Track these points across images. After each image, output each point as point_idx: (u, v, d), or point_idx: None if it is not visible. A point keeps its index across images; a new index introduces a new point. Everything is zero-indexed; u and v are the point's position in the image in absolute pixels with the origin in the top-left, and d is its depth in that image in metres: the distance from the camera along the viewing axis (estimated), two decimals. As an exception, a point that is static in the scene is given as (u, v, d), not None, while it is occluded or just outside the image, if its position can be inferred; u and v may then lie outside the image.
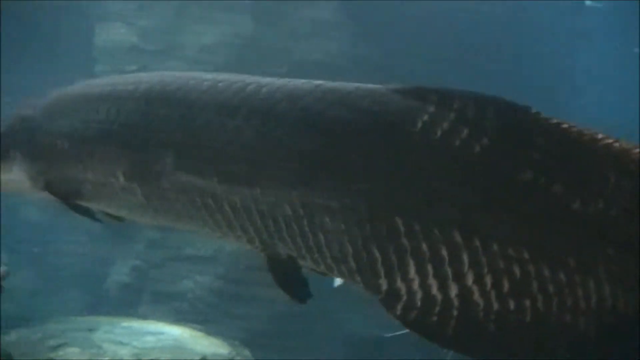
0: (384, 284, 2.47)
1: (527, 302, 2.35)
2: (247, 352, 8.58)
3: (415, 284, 2.43)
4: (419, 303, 2.43)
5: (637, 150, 2.35)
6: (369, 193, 2.49)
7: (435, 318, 2.41)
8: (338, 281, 2.61)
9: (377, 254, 2.47)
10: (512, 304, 2.36)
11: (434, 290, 2.41)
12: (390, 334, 8.47)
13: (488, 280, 2.36)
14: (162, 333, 8.64)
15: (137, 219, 3.22)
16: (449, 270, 2.39)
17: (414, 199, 2.43)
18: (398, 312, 2.45)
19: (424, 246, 2.40)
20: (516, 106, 2.42)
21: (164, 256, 9.86)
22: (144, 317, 9.44)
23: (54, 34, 11.49)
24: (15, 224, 11.55)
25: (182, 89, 2.86)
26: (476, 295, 2.37)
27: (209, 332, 8.77)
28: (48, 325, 8.93)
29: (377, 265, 2.48)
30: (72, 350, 7.95)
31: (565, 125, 2.39)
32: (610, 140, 2.36)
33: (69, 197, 3.29)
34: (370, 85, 2.61)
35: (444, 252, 2.39)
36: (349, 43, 10.34)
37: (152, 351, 8.08)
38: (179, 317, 9.44)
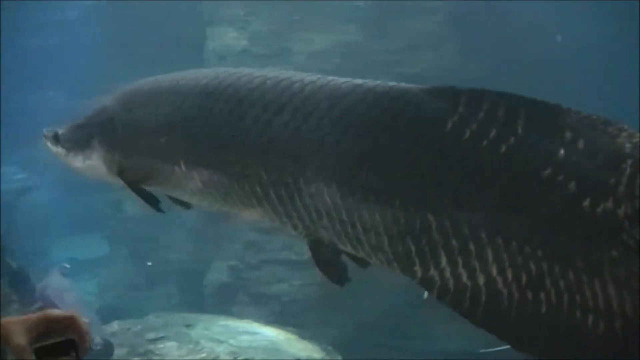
0: (418, 271, 2.69)
1: (542, 295, 2.51)
2: (339, 358, 8.62)
3: (447, 273, 2.64)
4: (452, 288, 2.64)
5: None
6: (404, 191, 2.68)
7: (467, 301, 2.62)
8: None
9: (412, 246, 2.67)
10: (529, 295, 2.52)
11: (464, 278, 2.61)
12: (485, 350, 8.41)
13: (509, 273, 2.53)
14: (257, 333, 8.76)
15: (198, 202, 3.47)
16: (476, 263, 2.58)
17: (444, 198, 2.61)
18: (435, 295, 2.68)
19: (454, 241, 2.60)
20: (547, 104, 2.53)
21: (261, 258, 9.98)
22: (240, 316, 9.57)
23: (164, 37, 11.78)
24: (119, 219, 11.90)
25: (234, 85, 3.10)
26: (500, 285, 2.56)
27: (304, 336, 8.85)
28: (148, 318, 9.17)
29: (411, 255, 2.69)
30: (170, 345, 8.14)
31: (593, 118, 2.49)
32: (631, 134, 2.43)
33: (137, 182, 3.54)
34: (404, 85, 2.78)
35: (472, 247, 2.57)
36: (456, 56, 10.31)
37: (248, 350, 8.20)
38: (273, 319, 9.53)
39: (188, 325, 8.66)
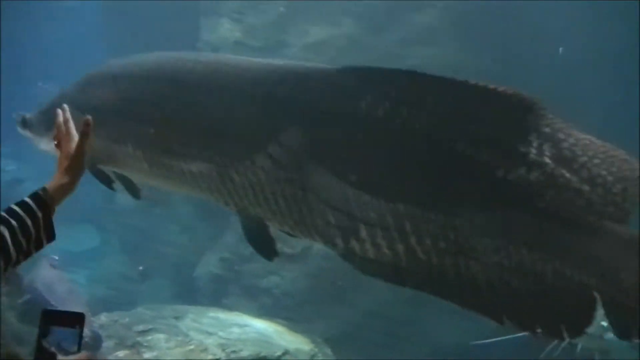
0: (340, 243, 2.85)
1: (462, 260, 2.67)
2: (328, 351, 8.59)
3: (368, 244, 2.78)
4: (372, 258, 2.80)
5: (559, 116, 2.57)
6: (320, 165, 2.81)
7: (388, 269, 2.80)
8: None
9: (331, 218, 2.83)
10: (448, 260, 2.69)
11: (384, 248, 2.76)
12: (477, 342, 8.37)
13: (428, 241, 2.68)
14: (247, 325, 8.72)
15: (148, 182, 3.64)
16: (395, 233, 2.72)
17: (361, 172, 2.75)
18: (355, 265, 2.85)
19: (373, 214, 2.73)
20: (458, 82, 2.67)
21: (253, 250, 9.87)
22: (230, 308, 9.51)
23: (159, 28, 11.73)
24: (110, 211, 11.82)
25: (171, 70, 3.26)
26: (419, 253, 2.72)
27: (293, 329, 8.80)
28: (137, 310, 9.11)
29: (332, 228, 2.85)
30: (159, 337, 8.09)
31: (499, 90, 2.61)
32: (536, 105, 2.57)
33: (95, 163, 3.71)
34: (320, 66, 2.93)
35: (390, 220, 2.70)
36: (455, 50, 10.23)
37: (237, 342, 8.16)
38: (264, 312, 9.48)
39: (177, 318, 8.60)
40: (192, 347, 7.90)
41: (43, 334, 2.15)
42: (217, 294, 10.07)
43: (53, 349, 2.12)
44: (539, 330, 2.70)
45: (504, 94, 2.60)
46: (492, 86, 2.61)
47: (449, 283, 2.76)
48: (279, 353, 8.17)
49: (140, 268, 11.22)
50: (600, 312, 8.16)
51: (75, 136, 2.78)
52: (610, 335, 7.80)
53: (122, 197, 10.87)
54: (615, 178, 2.46)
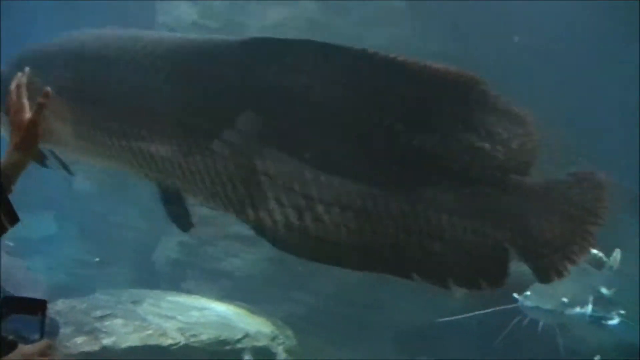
0: (250, 214, 2.85)
1: (380, 230, 2.67)
2: (289, 333, 8.54)
3: (277, 214, 2.78)
4: (281, 228, 2.78)
5: (470, 78, 2.59)
6: (229, 137, 2.81)
7: (296, 239, 2.77)
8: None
9: (242, 189, 2.83)
10: (369, 230, 2.68)
11: (293, 217, 2.75)
12: (441, 320, 8.37)
13: (336, 209, 2.66)
14: (206, 309, 8.64)
15: (80, 158, 3.67)
16: (303, 202, 2.71)
17: (268, 142, 2.75)
18: (266, 237, 2.83)
19: (280, 183, 2.74)
20: (367, 53, 2.65)
21: (213, 233, 9.77)
22: (190, 292, 9.43)
23: (115, 11, 11.57)
24: (67, 195, 11.65)
25: (95, 47, 3.28)
26: (327, 221, 2.70)
27: (254, 311, 8.74)
28: (95, 296, 8.99)
29: (242, 199, 2.85)
30: (117, 322, 7.99)
31: (408, 63, 2.63)
32: (449, 72, 2.60)
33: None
34: (224, 38, 2.93)
35: (297, 187, 2.71)
36: (416, 31, 10.19)
37: (196, 326, 8.09)
38: (225, 295, 9.40)
39: (135, 302, 8.51)
40: (150, 331, 7.82)
41: (2, 321, 2.08)
42: (177, 278, 9.98)
43: (13, 337, 2.06)
44: (457, 286, 2.70)
45: (442, 71, 2.64)
46: (429, 64, 2.66)
47: (360, 247, 2.77)
48: (239, 336, 8.11)
49: (97, 259, 11.08)
50: (560, 288, 8.16)
51: (27, 107, 2.69)
52: (570, 311, 7.86)
53: (80, 182, 10.78)
54: (513, 135, 2.56)
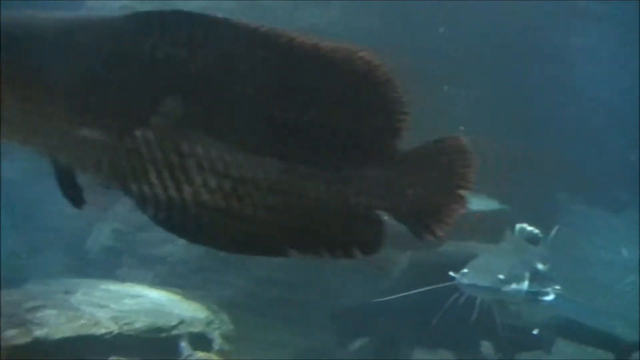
0: (133, 187, 2.78)
1: (251, 202, 2.67)
2: (225, 317, 8.45)
3: (158, 188, 2.73)
4: (163, 204, 2.73)
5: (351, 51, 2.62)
6: (107, 109, 2.77)
7: (178, 216, 2.72)
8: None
9: (124, 162, 2.76)
10: (236, 203, 2.67)
11: (172, 192, 2.70)
12: (377, 300, 8.37)
13: (213, 182, 2.66)
14: (140, 296, 8.52)
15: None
16: (181, 175, 2.69)
17: (147, 113, 2.70)
18: (149, 213, 2.77)
19: (159, 154, 2.70)
20: (224, 20, 2.74)
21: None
22: (124, 280, 9.30)
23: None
24: (-4, 184, 11.39)
25: (34, 25, 3.11)
26: (205, 195, 2.67)
27: (188, 297, 8.64)
28: (26, 286, 8.81)
29: (125, 172, 2.78)
30: (50, 312, 7.81)
31: (284, 35, 2.65)
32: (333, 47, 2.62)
33: None
34: (106, 16, 2.89)
35: (175, 159, 2.68)
36: (349, 11, 10.15)
37: (130, 314, 7.96)
38: (159, 281, 9.29)
39: (68, 292, 8.33)
40: (83, 321, 7.66)
41: None
42: (111, 266, 9.83)
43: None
44: (332, 256, 2.69)
45: (325, 46, 2.66)
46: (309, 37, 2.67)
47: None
48: (174, 322, 7.99)
49: (24, 256, 10.85)
50: (496, 265, 8.18)
51: None
52: (506, 287, 7.90)
53: (9, 169, 10.53)
54: (385, 104, 2.65)
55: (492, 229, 10.27)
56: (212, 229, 2.71)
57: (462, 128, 11.02)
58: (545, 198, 13.57)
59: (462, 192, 2.75)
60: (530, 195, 12.59)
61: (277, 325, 9.04)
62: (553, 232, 8.98)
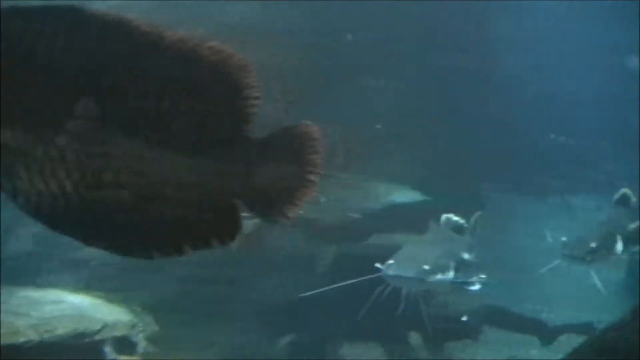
0: (5, 182, 2.71)
1: (125, 192, 2.67)
2: (149, 319, 8.32)
3: (27, 183, 2.68)
4: (34, 197, 2.69)
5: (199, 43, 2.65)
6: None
7: (46, 209, 2.69)
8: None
9: None
10: (90, 193, 2.66)
11: (42, 186, 2.67)
12: (304, 294, 8.32)
13: (89, 175, 2.64)
14: (62, 302, 8.32)
15: None
16: (46, 168, 2.66)
17: (16, 112, 2.66)
18: (21, 205, 2.73)
19: (29, 149, 2.65)
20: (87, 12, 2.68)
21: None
22: (45, 285, 9.07)
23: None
24: None
25: None
26: (69, 188, 2.66)
27: (112, 300, 8.48)
28: (-62, 298, 8.51)
29: None
30: (-35, 323, 7.57)
31: (132, 24, 2.67)
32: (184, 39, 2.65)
33: None
34: None
35: (53, 153, 2.65)
36: (267, 8, 10.07)
37: (52, 321, 7.78)
38: (82, 285, 9.09)
39: (-16, 301, 8.08)
40: (2, 330, 7.45)
41: None
42: (31, 272, 9.58)
43: None
44: (191, 249, 2.72)
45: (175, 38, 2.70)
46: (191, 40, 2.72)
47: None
48: (97, 327, 7.84)
49: None
50: (422, 255, 8.18)
51: None
52: (432, 277, 7.92)
53: None
54: (226, 91, 2.70)
55: (416, 220, 10.32)
56: (71, 221, 2.69)
57: (378, 127, 11.09)
58: (470, 187, 13.67)
59: (311, 177, 2.82)
60: (454, 184, 12.67)
61: (204, 324, 8.92)
62: (473, 219, 9.03)
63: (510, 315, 10.33)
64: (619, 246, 7.67)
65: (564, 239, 7.49)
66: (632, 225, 8.00)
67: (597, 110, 18.84)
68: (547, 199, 17.06)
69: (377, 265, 7.70)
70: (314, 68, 10.28)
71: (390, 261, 7.78)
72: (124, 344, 7.85)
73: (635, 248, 7.86)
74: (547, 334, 10.24)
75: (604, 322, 11.01)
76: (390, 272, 7.67)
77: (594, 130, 18.63)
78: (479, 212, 9.25)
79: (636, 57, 19.07)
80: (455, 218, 8.94)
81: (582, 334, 10.51)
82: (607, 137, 18.63)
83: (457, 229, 8.94)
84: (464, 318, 9.61)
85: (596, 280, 8.16)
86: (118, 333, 7.89)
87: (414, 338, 9.04)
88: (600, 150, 18.61)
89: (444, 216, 8.96)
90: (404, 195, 10.48)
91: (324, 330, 8.97)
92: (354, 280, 7.88)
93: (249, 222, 8.09)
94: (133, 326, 8.06)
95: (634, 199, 8.26)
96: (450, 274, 8.05)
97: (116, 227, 2.71)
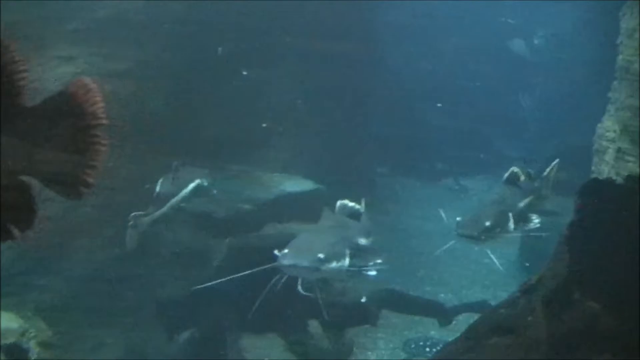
0: None
1: None
2: (42, 325, 8.06)
3: None
4: None
5: None
6: None
7: None
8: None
9: None
10: None
11: None
12: (198, 286, 8.20)
13: None
14: (-50, 312, 8.00)
15: None
16: None
17: None
18: None
19: None
20: None
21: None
22: None
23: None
24: None
25: None
26: None
27: (1, 306, 8.18)
28: None
29: None
30: None
31: None
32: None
33: None
34: None
35: None
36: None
37: None
38: (-32, 293, 8.76)
39: None
40: None
41: None
42: None
43: None
44: None
45: None
46: None
47: None
48: (-17, 336, 7.56)
49: None
50: (317, 244, 8.15)
51: None
52: (327, 266, 7.91)
53: None
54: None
55: (309, 209, 10.31)
56: None
57: (264, 125, 11.07)
58: (364, 174, 13.75)
59: (97, 131, 2.67)
60: (348, 172, 12.73)
61: (100, 322, 8.71)
62: (362, 204, 9.05)
63: (408, 298, 10.43)
64: (511, 224, 7.78)
65: (458, 218, 7.57)
66: (522, 204, 8.13)
67: (486, 94, 19.29)
68: (440, 182, 17.38)
69: (276, 252, 7.64)
70: (196, 61, 10.18)
71: (285, 250, 7.72)
72: (15, 352, 7.59)
73: (526, 226, 8.00)
74: (445, 315, 10.38)
75: (499, 299, 11.28)
76: (285, 261, 7.62)
77: (484, 113, 19.07)
78: (363, 198, 9.26)
79: (521, 40, 19.62)
80: (351, 204, 8.94)
81: (479, 312, 10.71)
82: (496, 119, 19.08)
83: (353, 214, 8.93)
84: (363, 299, 9.66)
85: (493, 258, 8.29)
86: (7, 341, 7.61)
87: (313, 326, 9.03)
88: (490, 132, 19.05)
89: (339, 202, 8.95)
90: (296, 185, 10.45)
91: (223, 324, 8.88)
92: (250, 272, 7.78)
93: (144, 219, 7.89)
94: (23, 333, 7.80)
95: (522, 178, 8.41)
96: (346, 261, 8.02)
97: None
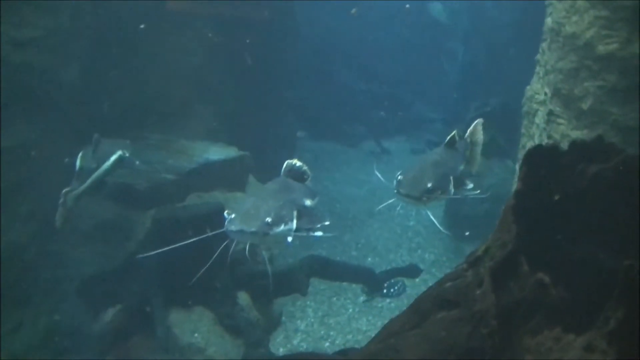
0: None
1: None
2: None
3: None
4: None
5: None
6: None
7: None
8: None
9: None
10: None
11: None
12: (141, 255, 7.92)
13: None
14: None
15: None
16: None
17: None
18: None
19: None
20: None
21: None
22: None
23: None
24: None
25: None
26: None
27: None
28: None
29: None
30: None
31: None
32: None
33: None
34: None
35: None
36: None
37: None
38: None
39: None
40: None
41: None
42: None
43: None
44: None
45: None
46: None
47: None
48: None
49: None
50: (264, 208, 7.97)
51: None
52: (275, 229, 7.71)
53: None
54: None
55: (233, 175, 10.10)
56: None
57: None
58: (285, 139, 13.59)
59: None
60: (269, 137, 12.54)
61: (21, 306, 8.35)
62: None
63: (336, 265, 10.31)
64: (452, 187, 7.71)
65: (399, 177, 7.40)
66: (461, 167, 8.07)
67: (406, 57, 19.26)
68: (361, 145, 17.30)
69: (226, 213, 7.40)
70: (111, 32, 9.83)
71: (232, 216, 7.47)
72: None
73: (463, 188, 7.93)
74: (375, 281, 10.31)
75: (426, 262, 11.27)
76: (232, 227, 7.37)
77: (404, 77, 19.06)
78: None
79: (439, 3, 19.58)
80: (298, 164, 8.71)
81: (408, 276, 10.69)
82: (417, 83, 19.09)
83: (300, 176, 8.72)
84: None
85: (435, 221, 8.17)
86: None
87: (243, 298, 8.85)
88: (411, 96, 19.04)
89: (287, 162, 8.72)
90: (219, 152, 10.20)
91: (148, 299, 8.62)
92: (195, 239, 7.52)
93: (72, 195, 7.51)
94: None
95: (459, 141, 8.35)
96: (293, 224, 7.84)
97: None
